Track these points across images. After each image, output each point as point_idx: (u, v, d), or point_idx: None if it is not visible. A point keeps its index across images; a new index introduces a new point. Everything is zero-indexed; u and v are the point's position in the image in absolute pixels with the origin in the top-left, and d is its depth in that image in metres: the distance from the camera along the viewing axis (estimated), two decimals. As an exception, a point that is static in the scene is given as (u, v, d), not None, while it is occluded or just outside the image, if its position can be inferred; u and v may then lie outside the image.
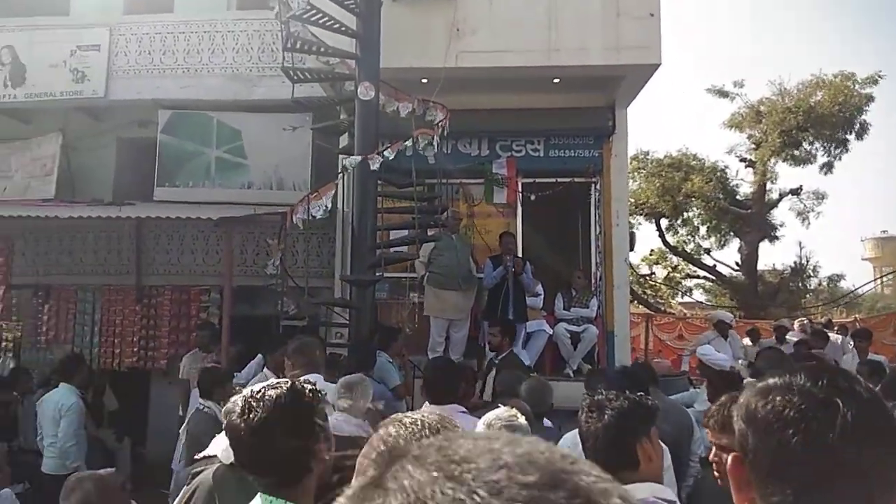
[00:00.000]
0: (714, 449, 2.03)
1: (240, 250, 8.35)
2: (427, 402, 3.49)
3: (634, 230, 13.52)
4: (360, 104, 6.08)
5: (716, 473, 1.99)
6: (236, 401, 1.68)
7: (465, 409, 3.35)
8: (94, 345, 8.66)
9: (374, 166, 5.72)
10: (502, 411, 2.36)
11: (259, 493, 1.57)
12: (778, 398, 0.85)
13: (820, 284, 19.08)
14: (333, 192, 5.80)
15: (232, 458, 2.06)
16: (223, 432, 2.18)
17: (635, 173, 17.53)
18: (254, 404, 1.61)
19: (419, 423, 1.23)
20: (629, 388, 2.10)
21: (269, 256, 6.55)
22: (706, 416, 2.14)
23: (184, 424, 4.93)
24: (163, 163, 8.43)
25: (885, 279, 24.65)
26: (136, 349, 8.58)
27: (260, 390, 1.64)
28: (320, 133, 7.61)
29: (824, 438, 0.80)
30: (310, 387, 1.67)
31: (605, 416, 1.89)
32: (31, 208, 7.24)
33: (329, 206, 5.66)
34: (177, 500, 2.17)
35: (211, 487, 2.02)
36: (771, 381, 0.89)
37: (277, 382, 1.67)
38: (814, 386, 0.84)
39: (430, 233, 6.74)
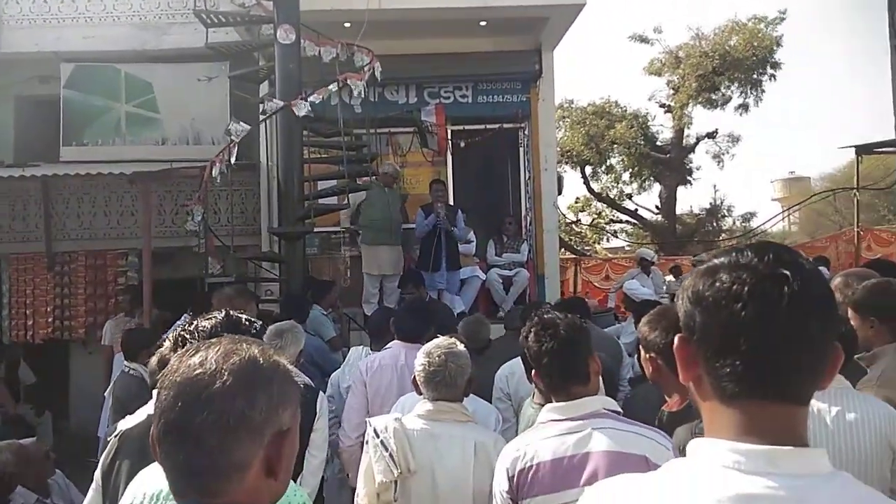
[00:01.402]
0: (643, 352, 2.10)
1: (157, 210, 7.97)
2: (396, 341, 3.56)
3: (562, 175, 13.73)
4: (280, 49, 5.80)
5: (648, 371, 2.06)
6: (168, 337, 1.59)
7: None
8: (4, 318, 8.19)
9: (301, 112, 5.49)
10: (441, 340, 2.38)
11: None
12: (725, 275, 0.86)
13: (734, 223, 20.08)
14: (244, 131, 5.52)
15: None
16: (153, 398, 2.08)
17: (561, 122, 17.73)
18: (187, 336, 1.52)
19: None
20: (578, 313, 2.15)
21: (190, 216, 6.25)
22: (640, 328, 2.21)
23: (108, 388, 4.72)
24: (68, 120, 7.88)
25: (792, 218, 26.16)
26: (50, 320, 8.16)
27: (192, 322, 1.55)
28: (238, 82, 7.25)
29: (773, 309, 0.82)
30: (245, 316, 1.59)
31: (561, 333, 1.91)
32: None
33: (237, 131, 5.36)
34: (102, 455, 2.05)
35: (142, 433, 1.92)
36: (717, 261, 0.89)
37: (212, 314, 1.58)
38: (760, 261, 0.86)
39: (359, 182, 6.60)
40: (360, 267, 6.92)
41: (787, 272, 0.83)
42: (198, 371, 0.94)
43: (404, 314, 3.89)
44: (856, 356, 2.47)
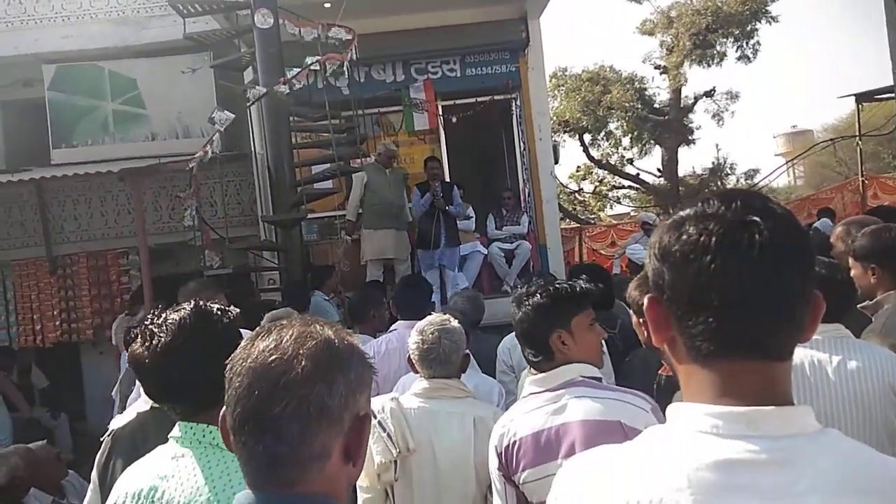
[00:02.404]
0: (635, 317, 2.04)
1: (153, 206, 7.94)
2: (400, 322, 3.49)
3: (557, 143, 13.57)
4: (260, 33, 5.70)
5: (642, 335, 2.01)
6: (136, 332, 1.55)
7: None
8: (12, 324, 8.21)
9: (282, 90, 5.37)
10: (434, 317, 2.34)
11: (177, 423, 1.45)
12: (692, 228, 0.80)
13: (738, 181, 19.87)
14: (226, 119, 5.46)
15: (151, 403, 1.93)
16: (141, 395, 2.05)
17: (556, 91, 17.52)
18: (155, 330, 1.47)
19: None
20: (591, 279, 2.06)
21: (185, 210, 6.20)
22: (630, 292, 2.14)
23: (115, 388, 4.73)
24: (55, 122, 7.82)
25: (797, 172, 25.92)
26: (58, 323, 8.19)
27: (160, 315, 1.51)
28: (222, 71, 7.15)
29: (744, 259, 0.77)
30: (217, 306, 1.54)
31: (521, 311, 1.89)
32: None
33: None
34: (97, 456, 2.03)
35: (133, 431, 1.90)
36: (682, 213, 0.84)
37: (181, 306, 1.53)
38: (728, 209, 0.80)
39: (352, 164, 6.50)
40: (359, 252, 6.70)
41: (757, 218, 0.78)
42: (273, 356, 0.89)
43: (403, 291, 3.79)
44: (859, 305, 2.42)
